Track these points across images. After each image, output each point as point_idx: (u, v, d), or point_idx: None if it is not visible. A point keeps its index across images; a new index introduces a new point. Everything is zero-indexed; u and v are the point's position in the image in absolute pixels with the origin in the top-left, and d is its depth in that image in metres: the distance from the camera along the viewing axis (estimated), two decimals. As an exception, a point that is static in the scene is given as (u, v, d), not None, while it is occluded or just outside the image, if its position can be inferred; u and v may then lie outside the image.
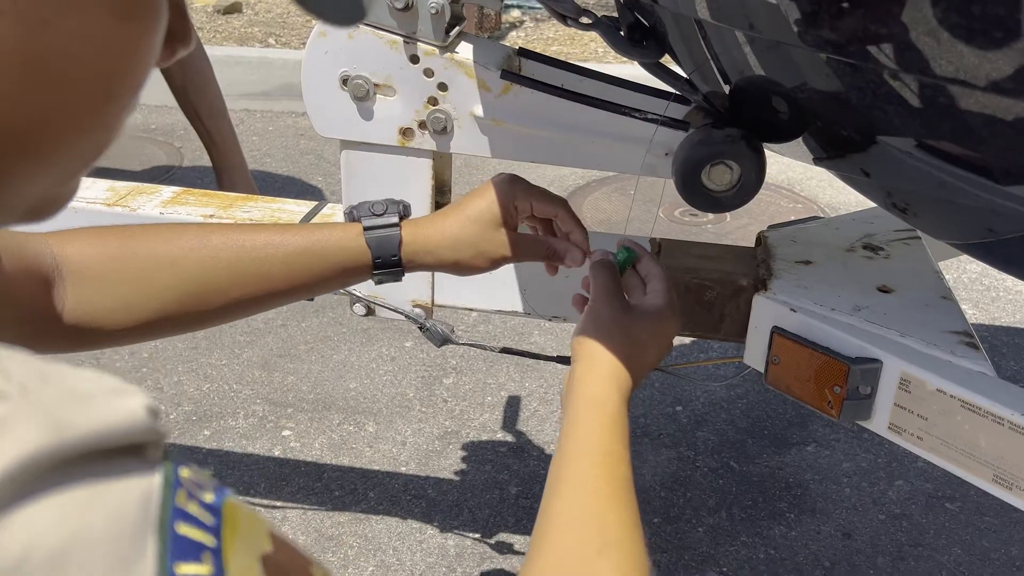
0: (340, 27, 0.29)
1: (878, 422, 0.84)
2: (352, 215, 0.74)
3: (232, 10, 4.35)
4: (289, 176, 2.85)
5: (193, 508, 0.23)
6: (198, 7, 4.41)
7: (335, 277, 0.72)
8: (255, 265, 0.67)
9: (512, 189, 0.75)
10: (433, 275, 1.02)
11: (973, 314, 2.12)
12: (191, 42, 0.32)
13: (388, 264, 0.72)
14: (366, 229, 0.72)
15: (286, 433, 1.71)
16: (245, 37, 3.98)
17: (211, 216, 1.05)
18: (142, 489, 0.22)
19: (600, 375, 0.62)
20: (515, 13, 4.35)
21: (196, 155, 2.87)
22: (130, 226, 0.67)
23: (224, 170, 2.01)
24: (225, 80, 3.77)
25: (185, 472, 0.24)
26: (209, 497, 0.24)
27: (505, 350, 1.07)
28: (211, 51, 3.60)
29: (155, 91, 3.25)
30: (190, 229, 0.68)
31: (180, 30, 0.32)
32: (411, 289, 1.03)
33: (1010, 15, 0.52)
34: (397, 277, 0.74)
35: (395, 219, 0.73)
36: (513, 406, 1.79)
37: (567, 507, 0.54)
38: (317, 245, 0.70)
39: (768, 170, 0.86)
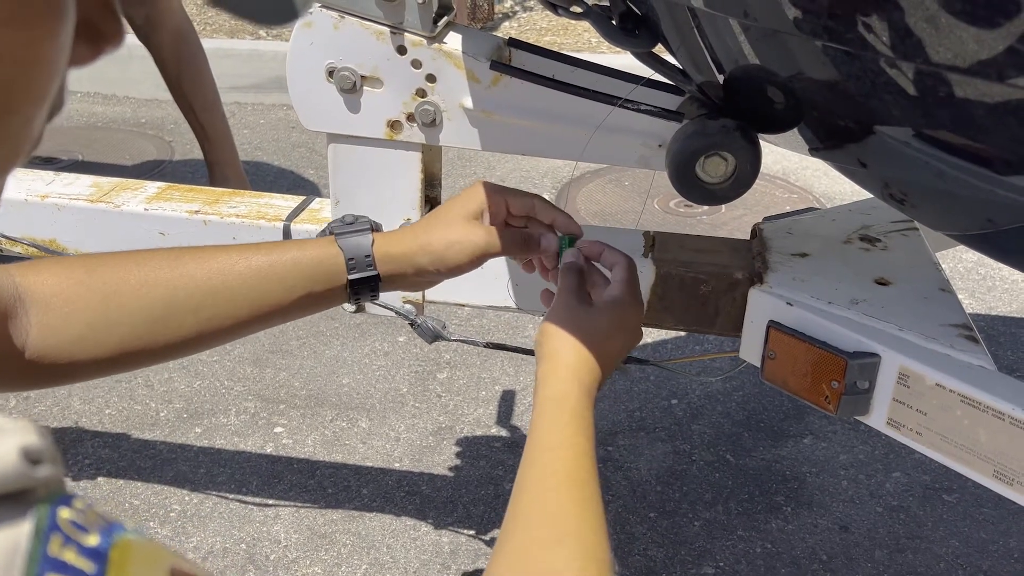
0: (269, 27, 0.26)
1: (876, 417, 0.82)
2: (325, 231, 0.73)
3: (222, 2, 4.31)
4: (281, 169, 2.82)
5: (70, 556, 0.21)
6: (188, -1, 4.37)
7: (309, 291, 0.68)
8: (226, 284, 0.65)
9: (483, 190, 0.74)
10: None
11: (970, 304, 2.10)
12: (121, 41, 0.30)
13: (362, 267, 0.69)
14: (338, 235, 0.70)
15: (278, 430, 1.70)
16: (236, 29, 3.95)
17: (196, 212, 1.03)
18: (7, 540, 0.21)
19: (559, 374, 0.63)
20: (508, 3, 4.31)
21: (187, 149, 2.84)
22: (97, 253, 0.66)
23: (216, 164, 1.99)
24: (216, 73, 3.73)
25: (66, 513, 0.22)
26: (93, 540, 0.22)
27: (494, 345, 1.05)
28: (214, 43, 3.57)
29: (145, 85, 3.23)
30: (159, 252, 0.66)
31: (109, 29, 0.29)
32: (401, 285, 1.01)
33: (1009, 1, 0.50)
34: (373, 289, 0.71)
35: (367, 226, 0.72)
36: (507, 401, 1.77)
37: (529, 502, 0.56)
38: (288, 256, 0.68)
39: (763, 160, 0.85)
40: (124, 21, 0.30)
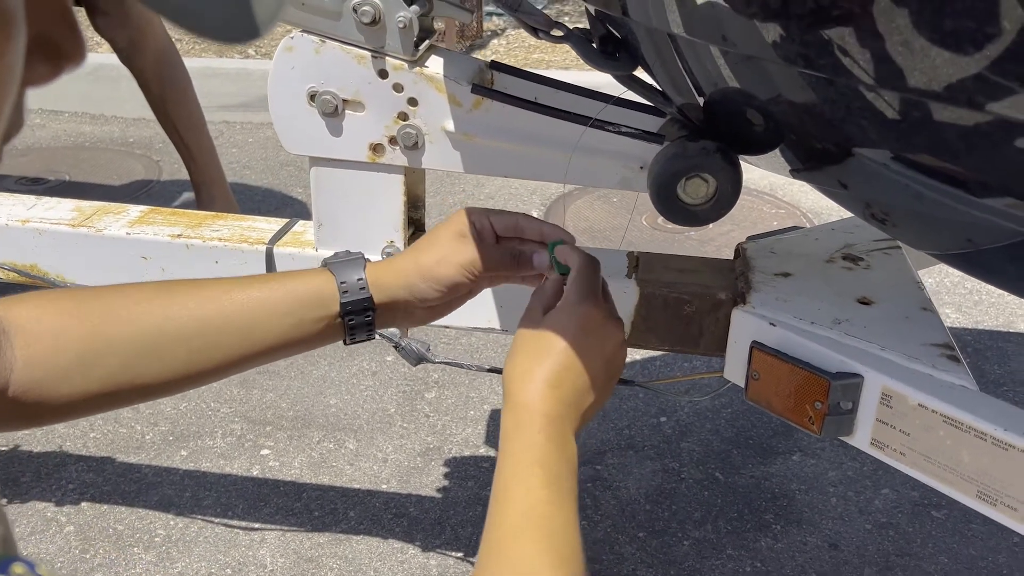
0: (230, 45, 0.25)
1: (860, 437, 0.82)
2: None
3: (211, 21, 4.31)
4: (268, 188, 2.82)
5: None
6: (176, 18, 4.37)
7: (301, 318, 0.67)
8: (219, 312, 0.64)
9: (467, 213, 0.72)
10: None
11: (956, 318, 2.11)
12: (82, 59, 0.29)
13: (354, 290, 0.68)
14: (330, 264, 0.69)
15: (265, 452, 1.68)
16: (224, 49, 3.95)
17: (179, 236, 1.02)
18: None
19: (518, 414, 0.58)
20: (496, 21, 4.34)
21: (175, 168, 2.83)
22: (86, 286, 0.64)
23: (203, 184, 1.98)
24: (204, 91, 3.73)
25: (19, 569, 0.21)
26: None
27: (480, 368, 1.05)
28: (189, 62, 3.56)
29: (133, 105, 3.21)
30: (149, 283, 0.65)
31: (69, 46, 0.28)
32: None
33: (982, 28, 0.50)
34: (368, 318, 0.68)
35: (360, 256, 0.71)
36: (496, 420, 1.77)
37: (486, 548, 0.53)
38: (279, 284, 0.67)
39: (750, 175, 0.85)
40: (84, 38, 0.29)
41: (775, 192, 2.74)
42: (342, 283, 0.68)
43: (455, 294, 0.71)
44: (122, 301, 0.62)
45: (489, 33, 4.26)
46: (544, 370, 0.60)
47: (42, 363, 0.58)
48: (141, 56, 1.92)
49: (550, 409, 0.58)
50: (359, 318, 0.68)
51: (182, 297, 0.64)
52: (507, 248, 0.72)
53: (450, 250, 0.70)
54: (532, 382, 0.59)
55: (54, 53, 0.28)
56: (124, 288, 0.64)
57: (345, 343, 0.70)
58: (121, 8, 1.89)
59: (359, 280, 0.68)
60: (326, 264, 0.70)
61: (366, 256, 0.72)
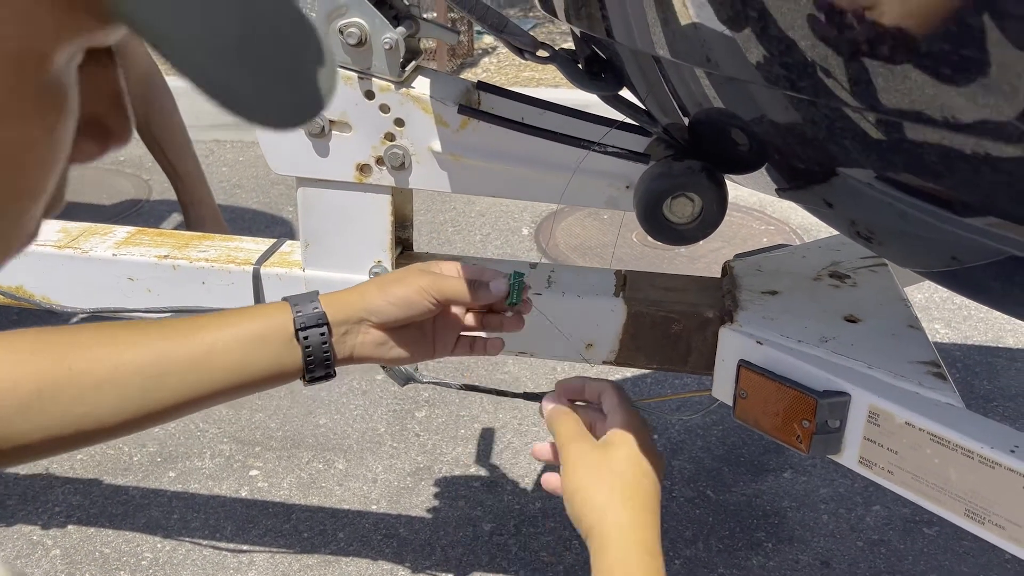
0: (289, 129, 0.24)
1: (848, 456, 0.82)
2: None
3: (202, 40, 4.33)
4: (259, 207, 2.82)
5: None
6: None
7: (253, 353, 0.65)
8: (178, 348, 0.63)
9: (434, 263, 0.75)
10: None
11: (945, 333, 2.12)
12: (128, 138, 0.28)
13: (306, 306, 0.67)
14: (285, 298, 0.69)
15: (253, 473, 1.67)
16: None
17: (165, 257, 1.02)
18: None
19: (617, 547, 0.61)
20: (487, 39, 4.36)
21: (165, 187, 2.83)
22: (43, 328, 0.63)
23: (191, 204, 1.98)
24: (195, 110, 3.74)
25: None
26: None
27: (469, 387, 1.04)
28: (181, 81, 3.58)
29: (120, 124, 3.18)
30: (111, 323, 0.64)
31: (117, 127, 0.28)
32: (373, 327, 1.00)
33: (965, 51, 0.51)
34: (325, 343, 0.67)
35: (317, 292, 0.71)
36: (487, 439, 1.76)
37: None
38: (235, 319, 0.66)
39: (740, 192, 0.86)
40: (132, 119, 0.29)
41: (764, 208, 2.75)
42: (295, 305, 0.68)
43: (411, 312, 0.70)
44: (84, 335, 0.62)
45: (480, 51, 4.28)
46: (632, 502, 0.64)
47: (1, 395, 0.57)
48: (125, 78, 1.92)
49: (649, 541, 0.62)
50: (314, 345, 0.67)
51: (143, 335, 0.63)
52: (466, 278, 0.73)
53: (409, 273, 0.72)
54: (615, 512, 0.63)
55: (102, 133, 0.27)
56: (86, 326, 0.64)
57: (304, 379, 0.68)
58: None
59: (312, 303, 0.68)
60: (283, 298, 0.70)
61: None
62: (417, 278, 0.70)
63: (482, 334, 0.78)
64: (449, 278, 0.72)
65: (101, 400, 0.61)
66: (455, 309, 0.75)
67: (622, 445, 0.67)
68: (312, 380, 0.69)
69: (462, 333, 0.77)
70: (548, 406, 0.73)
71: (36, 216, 0.26)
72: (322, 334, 0.67)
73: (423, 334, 0.74)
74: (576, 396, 0.74)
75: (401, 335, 0.72)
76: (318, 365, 0.68)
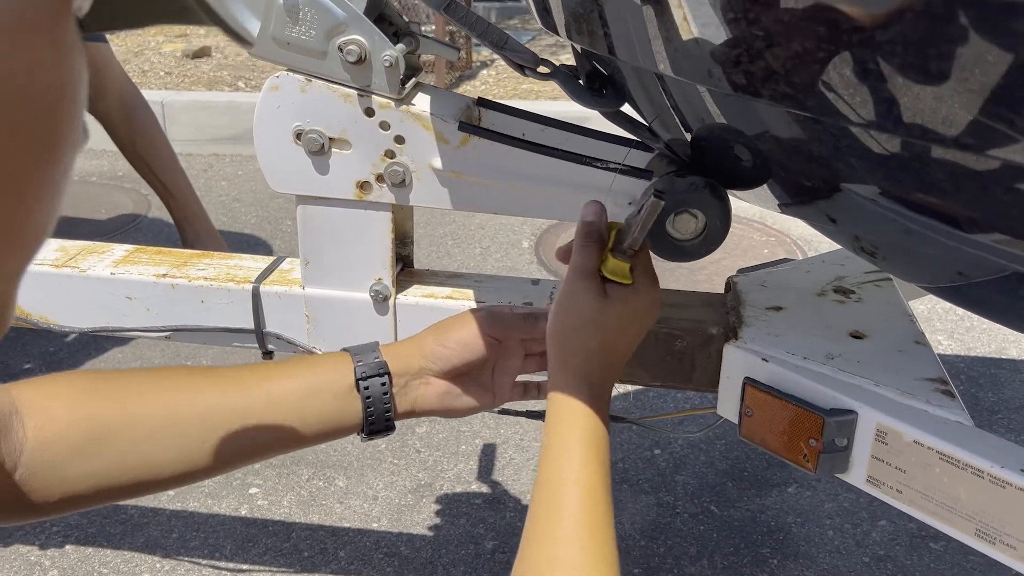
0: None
1: (856, 475, 0.81)
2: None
3: (201, 54, 4.34)
4: (258, 221, 2.81)
5: None
6: (166, 52, 4.40)
7: (317, 404, 0.65)
8: (242, 413, 0.62)
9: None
10: (395, 328, 0.99)
11: (949, 345, 2.11)
12: (86, 138, 0.28)
13: (367, 356, 0.67)
14: (345, 349, 0.69)
15: (253, 491, 1.65)
16: (214, 81, 3.97)
17: (164, 275, 1.01)
18: None
19: (569, 384, 0.62)
20: (486, 52, 4.37)
21: (163, 202, 2.82)
22: (107, 373, 0.61)
23: (185, 220, 1.97)
24: (194, 125, 3.74)
25: None
26: None
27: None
28: (180, 96, 3.58)
29: (119, 139, 3.15)
30: (169, 368, 0.63)
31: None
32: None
33: (970, 68, 0.50)
34: (383, 385, 0.66)
35: (377, 343, 0.70)
36: (488, 455, 1.75)
37: (539, 552, 0.55)
38: (297, 374, 0.65)
39: (739, 203, 0.85)
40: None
41: (764, 220, 2.75)
42: (356, 356, 0.67)
43: (471, 355, 0.70)
44: (140, 380, 0.60)
45: (478, 64, 4.29)
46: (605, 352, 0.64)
47: (52, 443, 0.55)
48: (104, 100, 1.92)
49: (600, 388, 0.63)
50: (375, 398, 0.66)
51: (200, 382, 0.62)
52: (520, 313, 0.74)
53: (462, 316, 0.72)
54: (590, 359, 0.63)
55: None
56: (141, 371, 0.63)
57: (362, 433, 0.68)
58: None
59: (373, 352, 0.68)
60: (343, 348, 0.70)
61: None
62: (470, 319, 0.71)
63: (534, 377, 0.78)
64: (502, 313, 0.72)
65: (156, 448, 0.59)
66: (511, 355, 0.75)
67: (616, 306, 0.66)
68: (372, 434, 0.68)
69: (518, 379, 0.76)
70: (587, 217, 0.70)
71: (44, 229, 0.26)
72: (383, 383, 0.67)
73: (483, 382, 0.73)
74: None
75: (462, 384, 0.71)
76: (378, 418, 0.67)
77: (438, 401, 0.70)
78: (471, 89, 3.88)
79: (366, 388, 0.66)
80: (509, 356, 0.75)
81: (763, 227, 2.74)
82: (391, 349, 0.69)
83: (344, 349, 0.69)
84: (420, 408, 0.70)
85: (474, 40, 4.17)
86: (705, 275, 2.44)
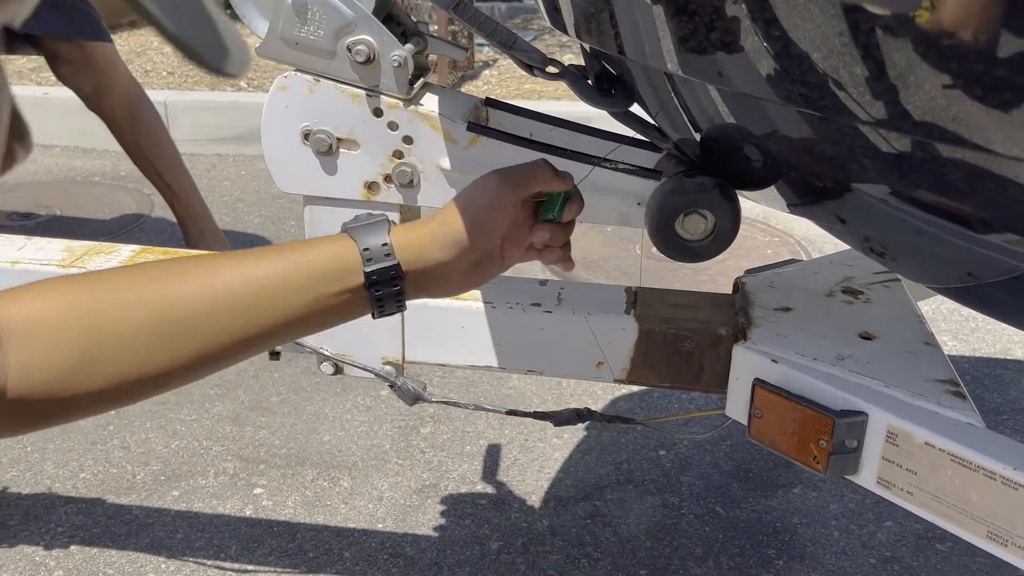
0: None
1: (866, 476, 0.81)
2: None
3: (204, 55, 4.33)
4: (261, 221, 2.81)
5: None
6: (169, 51, 4.40)
7: (320, 292, 0.60)
8: (230, 292, 0.58)
9: (491, 181, 0.70)
10: (403, 331, 0.98)
11: (953, 345, 2.11)
12: (30, 145, 0.27)
13: (379, 257, 0.62)
14: (350, 229, 0.63)
15: (258, 491, 1.65)
16: (216, 81, 3.97)
17: (171, 276, 1.01)
18: None
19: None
20: (488, 52, 4.37)
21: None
22: (84, 275, 0.58)
23: (188, 219, 1.98)
24: (196, 125, 3.74)
25: None
26: None
27: (478, 407, 1.03)
28: (182, 96, 3.58)
29: (123, 139, 3.16)
30: (152, 266, 0.60)
31: (17, 132, 0.27)
32: (381, 346, 0.99)
33: (986, 69, 0.50)
34: (397, 287, 0.62)
35: (383, 218, 0.65)
36: (493, 455, 1.74)
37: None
38: (295, 258, 0.61)
39: (743, 203, 0.85)
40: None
41: (768, 220, 2.75)
42: (365, 250, 0.62)
43: (488, 244, 0.68)
44: (125, 286, 0.57)
45: (481, 64, 4.29)
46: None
47: (40, 367, 0.53)
48: (108, 100, 1.92)
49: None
50: (386, 289, 0.62)
51: (190, 277, 0.58)
52: (535, 170, 0.72)
53: (477, 187, 0.69)
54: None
55: (8, 152, 0.26)
56: (125, 272, 0.59)
57: (373, 316, 0.64)
58: (83, 55, 1.88)
59: (384, 245, 0.62)
60: (346, 229, 0.64)
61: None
62: (485, 187, 0.69)
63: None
64: (520, 170, 0.70)
65: (214, 323, 0.58)
66: (519, 225, 0.72)
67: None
68: (381, 315, 0.65)
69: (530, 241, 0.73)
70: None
71: None
72: (396, 289, 0.63)
73: (492, 254, 0.70)
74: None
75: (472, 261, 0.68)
76: (390, 309, 0.65)
77: (442, 289, 0.69)
78: (473, 89, 3.88)
79: (378, 294, 0.63)
80: (517, 229, 0.72)
81: (766, 227, 2.73)
82: (405, 244, 0.64)
83: (350, 234, 0.63)
84: (427, 294, 0.68)
85: (476, 40, 4.17)
86: (709, 275, 2.43)
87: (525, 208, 0.72)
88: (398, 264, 0.62)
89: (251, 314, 0.59)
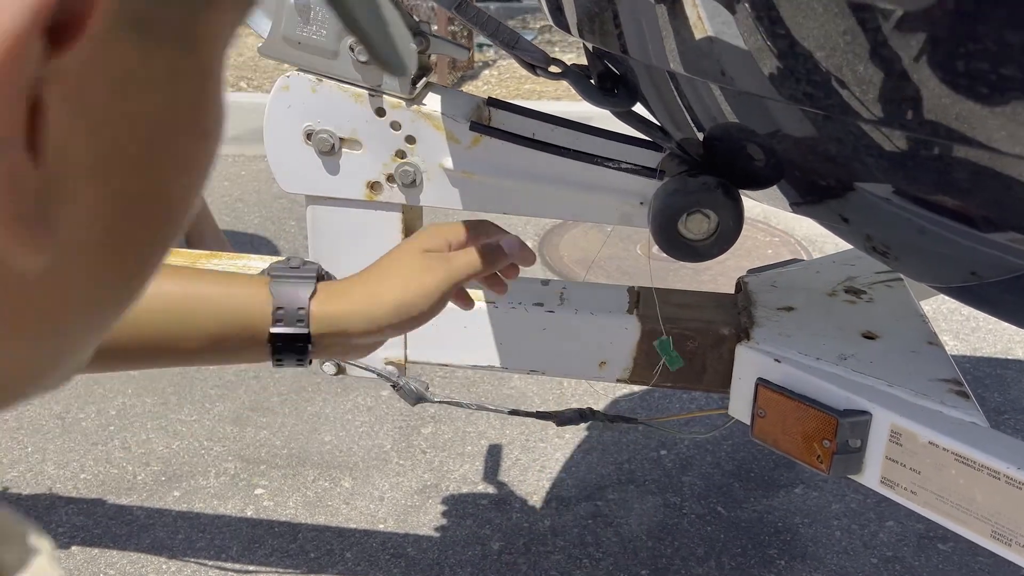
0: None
1: (870, 476, 0.81)
2: (265, 272, 0.62)
3: (204, 55, 4.33)
4: (261, 221, 2.81)
5: None
6: (169, 53, 4.39)
7: (221, 335, 0.58)
8: (169, 296, 0.57)
9: (429, 232, 0.66)
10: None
11: (954, 345, 2.11)
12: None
13: (291, 321, 0.58)
14: (274, 278, 0.59)
15: (259, 492, 1.65)
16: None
17: (173, 276, 1.01)
18: None
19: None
20: (488, 52, 4.37)
21: (166, 203, 2.81)
22: None
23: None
24: (196, 126, 3.70)
25: None
26: None
27: (481, 407, 1.03)
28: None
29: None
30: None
31: None
32: (383, 346, 0.99)
33: (991, 68, 0.50)
34: (301, 351, 0.59)
35: (312, 275, 0.60)
36: (494, 455, 1.74)
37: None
38: (208, 291, 0.58)
39: (745, 203, 0.84)
40: None
41: (768, 220, 2.75)
42: (278, 309, 0.58)
43: (420, 319, 0.63)
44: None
45: (480, 64, 4.29)
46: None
47: None
48: None
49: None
50: (288, 352, 0.59)
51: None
52: (475, 250, 0.65)
53: (420, 271, 0.62)
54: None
55: None
56: None
57: (273, 364, 0.61)
58: None
59: (300, 310, 0.58)
60: (272, 275, 0.59)
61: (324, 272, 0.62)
62: (427, 270, 0.62)
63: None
64: (458, 262, 0.63)
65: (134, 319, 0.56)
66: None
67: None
68: (279, 367, 0.61)
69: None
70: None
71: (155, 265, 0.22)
72: (299, 351, 0.59)
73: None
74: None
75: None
76: (288, 365, 0.61)
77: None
78: (473, 89, 3.88)
79: (278, 356, 0.59)
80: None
81: (767, 227, 2.73)
82: (323, 311, 0.59)
83: (270, 286, 0.59)
84: (334, 357, 0.66)
85: (477, 40, 4.17)
86: (710, 275, 2.43)
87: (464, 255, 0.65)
88: (308, 334, 0.59)
89: (173, 324, 0.57)
